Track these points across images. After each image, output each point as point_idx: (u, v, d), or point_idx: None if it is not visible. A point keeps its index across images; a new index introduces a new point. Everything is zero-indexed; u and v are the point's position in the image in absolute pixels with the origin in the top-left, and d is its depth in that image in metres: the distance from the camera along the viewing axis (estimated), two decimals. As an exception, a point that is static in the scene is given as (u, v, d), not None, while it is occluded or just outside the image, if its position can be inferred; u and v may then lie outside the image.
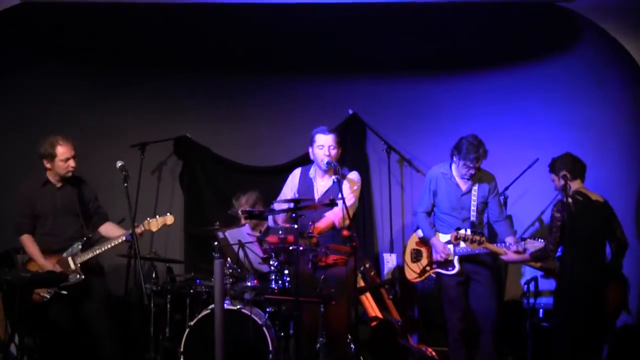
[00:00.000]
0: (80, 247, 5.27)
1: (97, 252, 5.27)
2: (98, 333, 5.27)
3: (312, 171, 5.37)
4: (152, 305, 5.93)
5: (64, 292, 5.19)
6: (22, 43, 6.65)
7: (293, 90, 7.32)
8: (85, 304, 5.28)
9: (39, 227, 5.34)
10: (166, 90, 7.25)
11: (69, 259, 5.25)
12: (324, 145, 5.22)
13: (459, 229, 5.40)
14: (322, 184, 5.30)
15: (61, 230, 5.32)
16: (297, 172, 5.45)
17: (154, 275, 6.18)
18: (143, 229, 5.30)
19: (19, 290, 5.21)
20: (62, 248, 5.29)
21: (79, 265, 5.25)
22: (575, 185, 5.19)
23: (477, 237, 5.32)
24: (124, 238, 5.25)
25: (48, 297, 5.21)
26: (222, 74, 7.25)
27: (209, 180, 7.26)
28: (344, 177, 5.27)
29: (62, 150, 5.24)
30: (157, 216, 5.41)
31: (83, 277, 5.24)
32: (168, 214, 5.41)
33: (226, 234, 5.24)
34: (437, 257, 5.60)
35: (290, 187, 5.39)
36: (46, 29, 6.57)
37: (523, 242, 5.40)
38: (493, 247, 5.44)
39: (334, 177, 5.05)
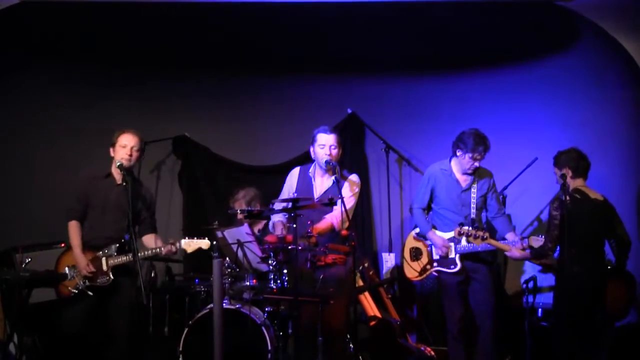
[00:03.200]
0: (116, 249, 5.16)
1: (131, 258, 5.11)
2: (116, 334, 5.16)
3: (312, 170, 5.36)
4: (151, 304, 5.93)
5: (90, 293, 5.11)
6: (21, 43, 6.65)
7: (292, 90, 7.32)
8: (112, 303, 5.17)
9: (87, 218, 5.24)
10: (165, 90, 7.25)
11: (103, 259, 5.14)
12: (325, 144, 5.22)
13: (462, 224, 5.38)
14: (321, 183, 5.30)
15: (104, 227, 5.19)
16: (296, 171, 5.44)
17: (152, 274, 6.19)
18: (178, 247, 5.22)
19: (18, 289, 5.22)
20: (99, 245, 5.17)
21: (110, 267, 5.14)
22: (575, 183, 5.17)
23: (481, 233, 5.30)
24: (158, 250, 5.17)
25: (76, 292, 5.12)
26: (222, 74, 7.26)
27: (207, 180, 7.26)
28: (344, 177, 5.28)
29: (124, 137, 5.21)
30: (195, 238, 5.26)
31: (112, 279, 5.13)
32: (206, 238, 5.24)
33: (225, 233, 5.25)
34: (438, 252, 5.58)
35: (289, 188, 5.38)
36: (45, 29, 6.57)
37: (527, 240, 5.39)
38: (497, 243, 5.42)
39: (333, 177, 5.06)
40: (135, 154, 5.23)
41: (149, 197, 5.44)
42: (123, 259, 5.12)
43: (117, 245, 5.14)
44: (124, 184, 5.11)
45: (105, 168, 5.29)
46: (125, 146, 5.20)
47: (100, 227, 5.20)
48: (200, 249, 5.24)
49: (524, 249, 5.37)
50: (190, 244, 5.22)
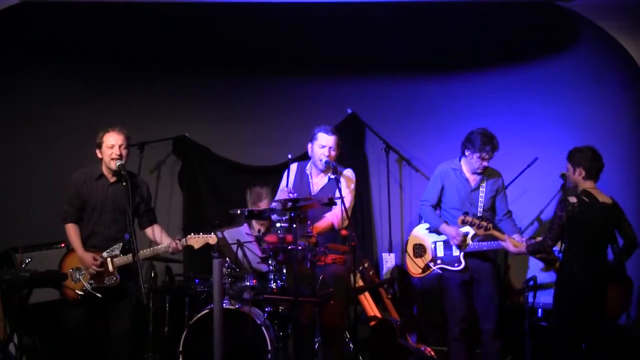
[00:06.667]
0: (120, 248, 5.11)
1: (137, 257, 5.00)
2: (118, 335, 5.12)
3: (309, 167, 5.37)
4: (151, 305, 5.94)
5: (98, 295, 5.05)
6: (21, 43, 6.65)
7: (292, 90, 7.33)
8: (116, 305, 5.12)
9: (85, 220, 5.17)
10: (165, 90, 7.25)
11: (108, 259, 5.09)
12: (325, 145, 5.23)
13: (466, 213, 5.36)
14: (317, 181, 5.31)
15: (104, 227, 5.14)
16: (294, 167, 5.43)
17: (152, 274, 6.19)
18: (185, 244, 5.17)
19: (18, 289, 5.21)
20: (101, 246, 5.12)
21: (116, 267, 5.09)
22: (586, 184, 5.10)
23: (485, 223, 5.28)
24: (165, 249, 5.12)
25: (82, 294, 5.07)
26: (222, 74, 7.26)
27: (207, 180, 7.26)
28: (340, 174, 5.27)
29: (109, 137, 5.09)
30: (201, 233, 5.22)
31: (119, 279, 5.09)
32: (212, 233, 5.20)
33: (224, 233, 5.24)
34: (453, 242, 5.54)
35: (287, 182, 5.38)
36: (46, 29, 6.57)
37: (533, 241, 5.37)
38: (497, 233, 5.40)
39: (332, 176, 5.06)
40: (124, 152, 5.14)
41: (145, 188, 5.37)
42: (128, 258, 5.07)
43: (121, 244, 5.10)
44: (124, 183, 5.02)
45: (97, 168, 5.21)
46: (112, 146, 5.10)
47: (100, 228, 5.16)
48: (207, 245, 5.18)
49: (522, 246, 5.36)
50: (197, 240, 5.17)
